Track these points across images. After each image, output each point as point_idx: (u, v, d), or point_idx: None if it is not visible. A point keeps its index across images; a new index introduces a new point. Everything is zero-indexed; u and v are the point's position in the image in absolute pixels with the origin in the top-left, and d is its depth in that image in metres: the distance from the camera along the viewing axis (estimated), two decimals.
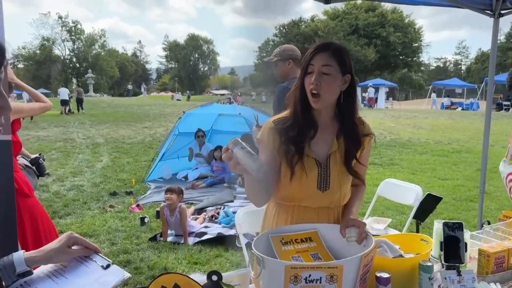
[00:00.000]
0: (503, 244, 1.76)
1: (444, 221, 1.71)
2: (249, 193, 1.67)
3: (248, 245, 2.66)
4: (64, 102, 20.97)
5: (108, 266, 1.12)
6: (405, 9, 51.82)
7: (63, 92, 21.69)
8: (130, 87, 50.22)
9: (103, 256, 1.16)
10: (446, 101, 31.27)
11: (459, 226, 1.69)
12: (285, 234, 1.61)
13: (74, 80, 54.72)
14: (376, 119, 18.35)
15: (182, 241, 4.42)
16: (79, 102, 21.97)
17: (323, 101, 1.60)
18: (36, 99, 2.83)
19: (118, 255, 4.03)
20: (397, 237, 1.90)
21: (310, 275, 1.28)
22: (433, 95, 34.01)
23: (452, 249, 1.66)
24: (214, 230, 4.65)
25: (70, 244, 1.14)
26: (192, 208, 5.41)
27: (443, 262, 1.67)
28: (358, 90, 33.62)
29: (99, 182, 7.09)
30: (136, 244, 4.33)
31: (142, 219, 4.95)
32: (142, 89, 46.24)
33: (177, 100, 42.33)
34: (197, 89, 70.72)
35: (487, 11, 3.28)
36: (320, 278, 1.28)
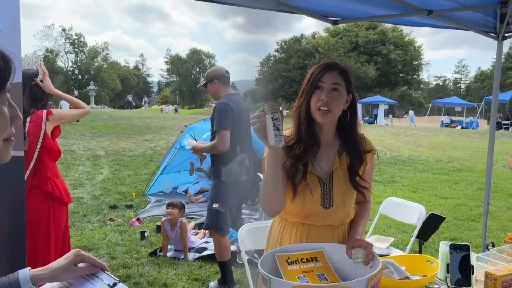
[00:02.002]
0: (510, 267, 1.75)
1: (450, 243, 1.70)
2: (265, 195, 1.61)
3: (249, 262, 2.65)
4: None
5: (114, 284, 1.11)
6: (405, 27, 52.33)
7: (65, 104, 22.28)
8: (130, 98, 50.17)
9: (110, 274, 1.15)
10: (445, 119, 31.37)
11: (465, 248, 1.68)
12: (291, 253, 1.60)
13: (76, 92, 54.92)
14: (376, 136, 18.38)
15: (182, 257, 4.39)
16: None
17: (331, 117, 1.63)
18: (75, 107, 2.95)
19: (117, 269, 4.00)
20: (402, 258, 1.89)
21: None
22: (411, 112, 34.27)
23: (459, 272, 1.65)
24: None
25: (76, 262, 1.13)
26: (193, 223, 5.38)
27: (449, 284, 1.66)
28: (359, 106, 33.90)
29: (99, 194, 7.06)
30: (136, 259, 4.30)
31: (142, 233, 4.92)
32: (143, 102, 46.28)
33: (166, 112, 42.30)
34: (197, 102, 71.00)
35: (491, 34, 3.32)
36: None
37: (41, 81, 2.76)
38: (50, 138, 2.72)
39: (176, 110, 45.22)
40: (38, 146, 2.65)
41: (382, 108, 32.70)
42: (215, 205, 3.48)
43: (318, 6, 2.91)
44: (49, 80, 2.81)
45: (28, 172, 2.63)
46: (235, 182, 3.51)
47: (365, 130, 1.82)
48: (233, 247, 4.47)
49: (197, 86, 3.84)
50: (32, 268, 1.09)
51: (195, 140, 3.91)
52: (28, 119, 2.65)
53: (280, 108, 1.45)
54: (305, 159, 1.63)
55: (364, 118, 33.95)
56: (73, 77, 64.11)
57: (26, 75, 2.70)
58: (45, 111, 2.72)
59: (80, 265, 1.13)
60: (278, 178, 1.55)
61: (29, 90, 2.70)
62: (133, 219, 5.56)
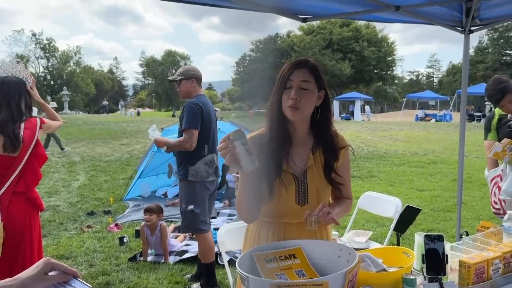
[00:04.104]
0: (483, 254, 1.79)
1: (425, 233, 1.73)
2: (242, 207, 1.62)
3: (231, 263, 2.64)
4: None
5: None
6: (378, 24, 53.07)
7: (34, 111, 22.80)
8: (105, 103, 49.28)
9: (82, 281, 1.12)
10: (420, 113, 32.00)
11: (439, 238, 1.71)
12: (269, 251, 1.59)
13: (49, 98, 53.70)
14: (353, 132, 18.61)
15: (163, 260, 4.34)
16: None
17: (301, 114, 1.63)
18: (53, 118, 3.06)
19: (96, 277, 3.92)
20: (379, 251, 1.91)
21: None
22: (367, 107, 34.83)
23: (434, 262, 1.68)
24: (195, 248, 4.57)
25: (47, 271, 1.10)
26: (172, 226, 5.33)
27: (425, 274, 1.68)
28: (336, 103, 34.15)
29: (75, 201, 6.93)
30: (115, 265, 4.23)
31: (121, 238, 4.85)
32: (120, 106, 45.48)
33: (130, 115, 41.77)
34: (174, 105, 70.50)
35: (457, 28, 3.40)
36: None
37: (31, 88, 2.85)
38: (41, 145, 2.78)
39: (138, 113, 44.65)
40: (29, 152, 2.67)
41: (358, 104, 33.10)
42: (190, 207, 3.49)
43: (287, 4, 2.92)
44: (34, 88, 2.89)
45: (12, 178, 2.61)
46: (201, 182, 3.52)
47: (342, 126, 1.84)
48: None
49: (169, 78, 3.81)
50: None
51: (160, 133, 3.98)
52: (22, 125, 2.68)
53: (242, 130, 1.41)
54: (278, 156, 1.63)
55: (341, 115, 34.30)
56: (45, 82, 62.67)
57: (22, 83, 2.79)
58: (38, 118, 2.81)
59: (51, 273, 1.10)
60: (254, 193, 1.55)
61: (25, 97, 2.78)
62: (111, 225, 5.47)
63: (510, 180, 3.02)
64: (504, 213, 3.06)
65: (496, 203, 3.17)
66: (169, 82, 3.87)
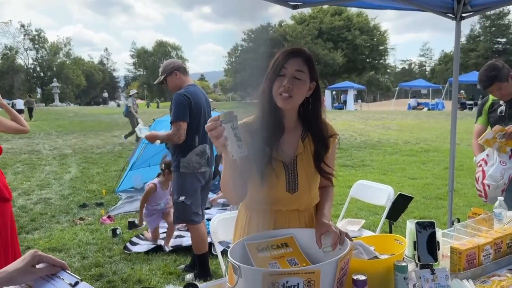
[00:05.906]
0: (474, 241, 1.80)
1: (416, 220, 1.74)
2: (226, 186, 1.57)
3: (224, 253, 2.65)
4: (20, 112, 21.65)
5: (76, 283, 1.07)
6: (370, 12, 53.01)
7: (19, 103, 25.47)
8: (106, 95, 49.06)
9: (71, 273, 1.11)
10: (412, 102, 32.11)
11: (431, 225, 1.71)
12: (261, 240, 1.59)
13: (39, 90, 53.19)
14: (346, 121, 18.65)
15: (157, 244, 4.42)
16: (30, 111, 25.57)
17: (292, 103, 1.61)
18: (14, 121, 2.98)
19: (89, 269, 3.91)
20: (371, 239, 1.91)
21: (287, 281, 1.26)
22: (344, 96, 34.76)
23: (426, 248, 1.68)
24: (189, 239, 4.57)
25: (34, 263, 1.08)
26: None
27: (417, 261, 1.69)
28: (329, 93, 34.05)
29: (67, 194, 6.88)
30: (108, 257, 4.22)
31: (114, 230, 4.83)
32: (122, 98, 45.19)
33: (111, 107, 41.84)
34: (167, 96, 70.10)
35: (449, 14, 3.39)
36: (298, 284, 1.26)
37: None
38: None
39: (118, 105, 44.41)
40: None
41: (351, 94, 33.11)
42: (181, 198, 3.48)
43: None
44: None
45: None
46: (193, 173, 3.50)
47: (335, 115, 1.82)
48: (207, 239, 4.45)
49: (155, 82, 3.79)
50: None
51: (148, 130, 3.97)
52: None
53: (233, 112, 1.30)
54: (270, 143, 1.62)
55: (334, 104, 34.32)
56: (34, 74, 62.02)
57: None
58: None
59: (39, 266, 1.09)
60: (237, 175, 1.50)
61: None
62: (104, 217, 5.45)
63: (497, 166, 3.03)
64: (486, 196, 3.09)
65: (478, 184, 3.19)
66: (158, 85, 3.83)
